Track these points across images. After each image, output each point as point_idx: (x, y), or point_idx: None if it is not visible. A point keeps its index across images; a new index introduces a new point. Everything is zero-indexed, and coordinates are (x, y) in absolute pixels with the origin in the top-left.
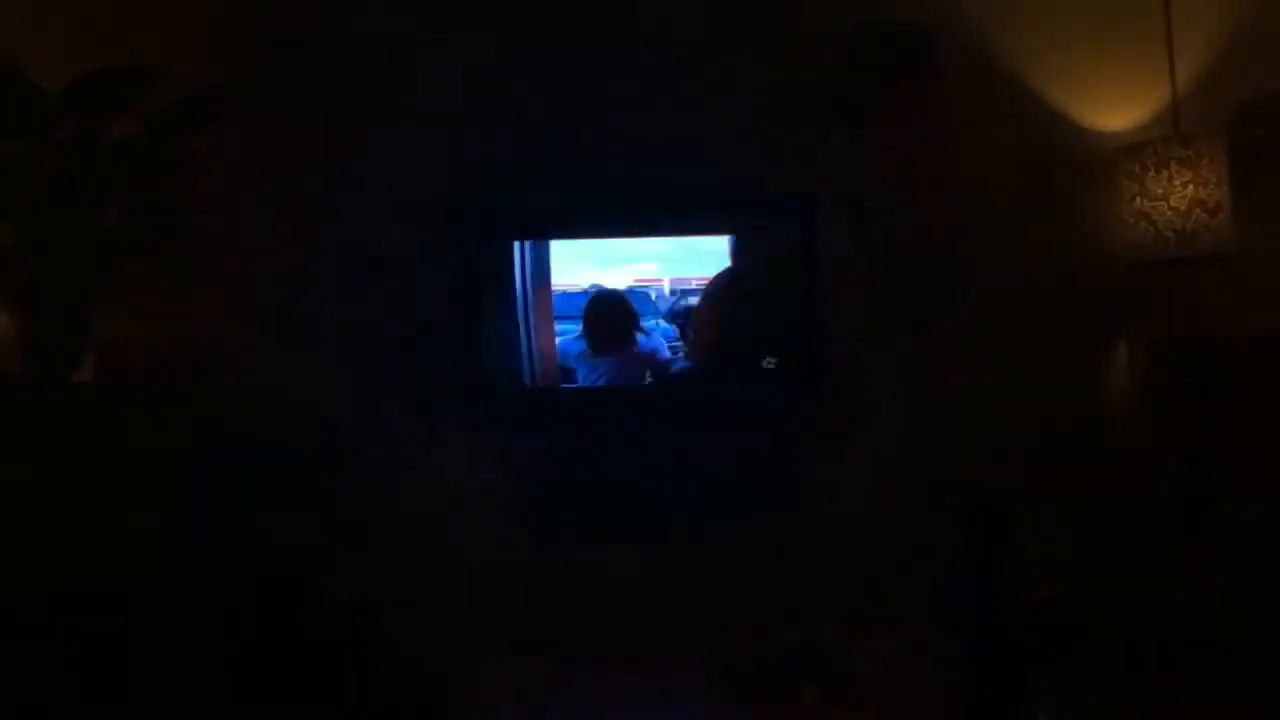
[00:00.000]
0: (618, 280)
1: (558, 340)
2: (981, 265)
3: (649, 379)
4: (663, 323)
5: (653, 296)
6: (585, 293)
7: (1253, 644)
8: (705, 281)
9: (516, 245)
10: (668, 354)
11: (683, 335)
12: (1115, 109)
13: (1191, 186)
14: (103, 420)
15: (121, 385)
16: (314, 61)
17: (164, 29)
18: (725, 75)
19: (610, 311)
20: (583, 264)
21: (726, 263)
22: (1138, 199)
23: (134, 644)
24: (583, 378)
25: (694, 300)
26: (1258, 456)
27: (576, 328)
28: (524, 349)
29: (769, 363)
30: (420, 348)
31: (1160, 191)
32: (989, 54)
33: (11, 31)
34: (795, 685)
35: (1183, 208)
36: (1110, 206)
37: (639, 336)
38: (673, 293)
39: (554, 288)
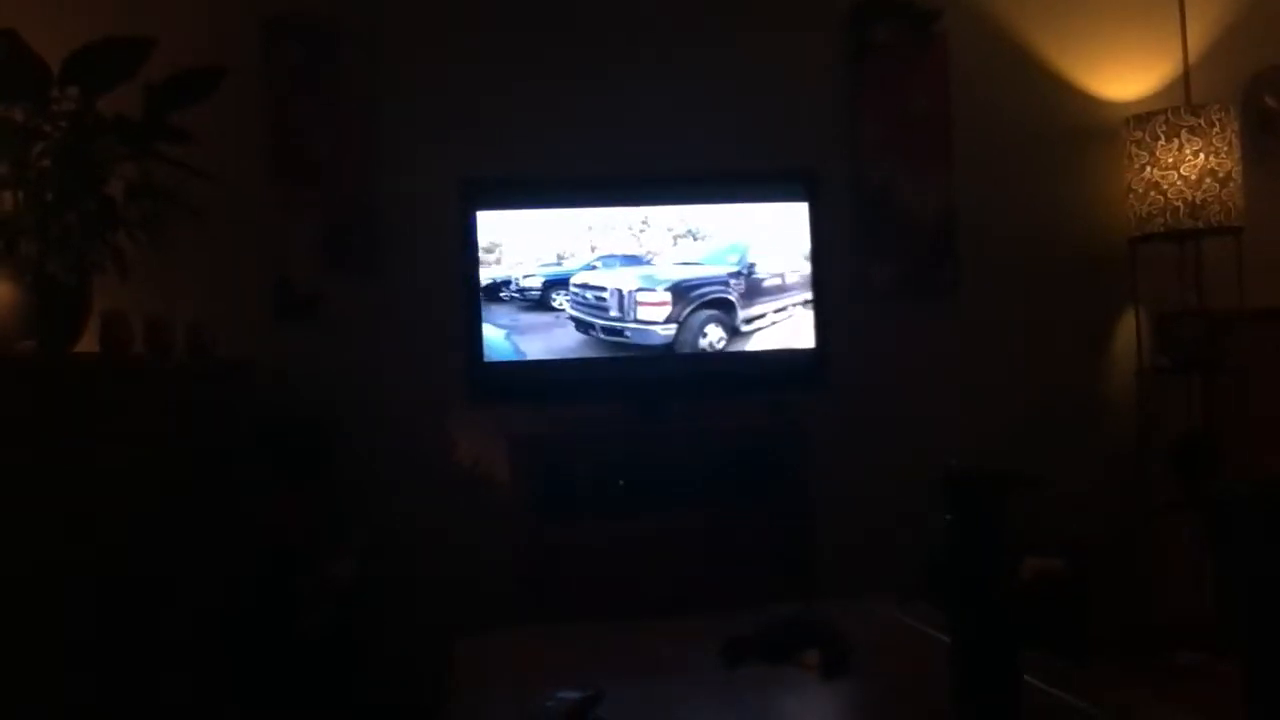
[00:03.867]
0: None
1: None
2: (988, 236)
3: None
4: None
5: None
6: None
7: (1247, 619)
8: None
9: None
10: None
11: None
12: (1126, 78)
13: (1202, 156)
14: (106, 393)
15: (122, 358)
16: (314, 35)
17: (165, 1)
18: (729, 49)
19: None
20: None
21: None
22: (1148, 168)
23: (132, 625)
24: None
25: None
26: (1259, 429)
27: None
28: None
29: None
30: (421, 322)
31: (1170, 161)
32: (997, 24)
33: (13, 1)
34: (795, 651)
35: (1193, 177)
36: (1120, 176)
37: None
38: None
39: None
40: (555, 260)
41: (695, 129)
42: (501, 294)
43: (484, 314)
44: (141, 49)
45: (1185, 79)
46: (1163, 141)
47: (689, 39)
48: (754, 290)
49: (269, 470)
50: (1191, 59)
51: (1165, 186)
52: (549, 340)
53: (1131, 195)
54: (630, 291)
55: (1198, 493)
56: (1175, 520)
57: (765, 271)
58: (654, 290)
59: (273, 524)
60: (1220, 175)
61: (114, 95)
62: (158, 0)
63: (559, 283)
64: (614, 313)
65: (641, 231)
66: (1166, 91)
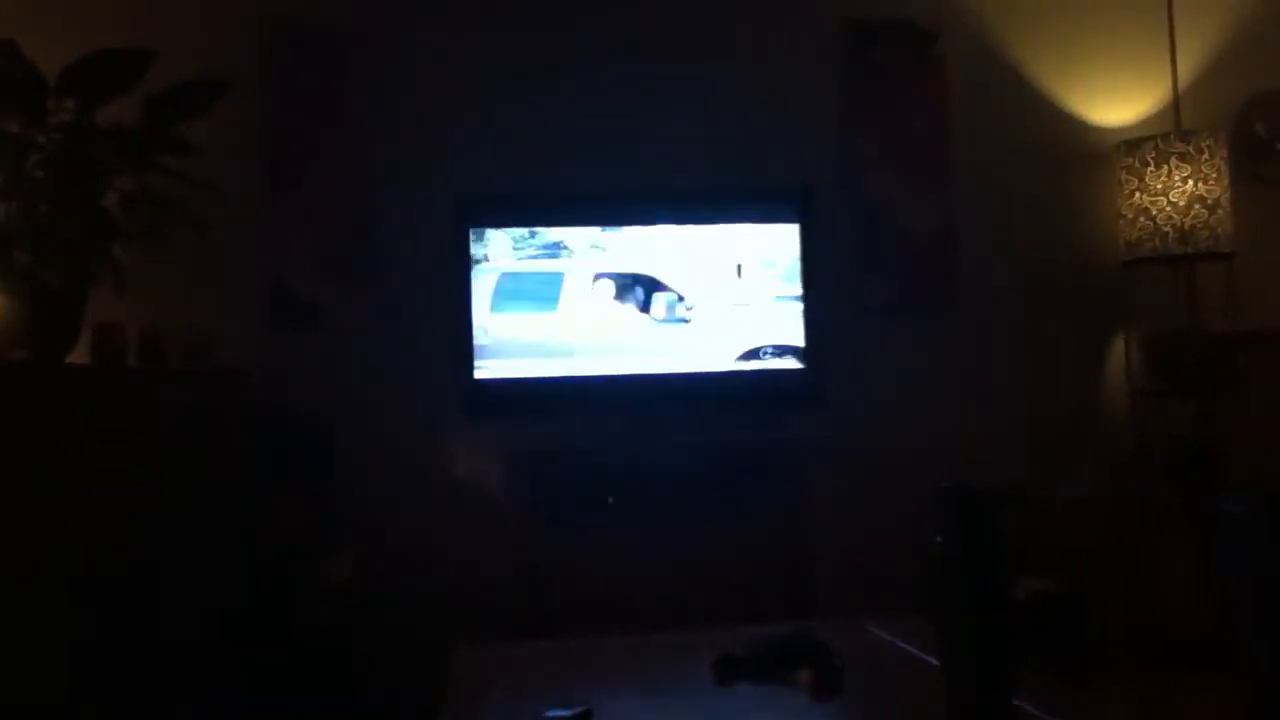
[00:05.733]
0: None
1: None
2: (980, 259)
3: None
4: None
5: None
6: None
7: (1244, 636)
8: None
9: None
10: None
11: None
12: (1116, 104)
13: (1191, 182)
14: (100, 403)
15: (117, 368)
16: (312, 46)
17: (163, 11)
18: (726, 68)
19: None
20: None
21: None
22: (1137, 194)
23: (132, 627)
24: None
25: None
26: (1252, 452)
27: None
28: None
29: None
30: (416, 333)
31: (1160, 187)
32: (991, 48)
33: (10, 13)
34: (789, 669)
35: (1182, 203)
36: (1109, 201)
37: None
38: None
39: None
40: None
41: (692, 146)
42: None
43: None
44: (140, 61)
45: (1175, 106)
46: (1152, 168)
47: (687, 58)
48: None
49: (267, 476)
50: (1181, 86)
51: (1155, 212)
52: None
53: (1122, 220)
54: None
55: (1196, 505)
56: (1173, 533)
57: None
58: None
59: (271, 529)
60: (1209, 202)
61: (115, 105)
62: (155, 9)
63: None
64: None
65: None
66: (1157, 118)
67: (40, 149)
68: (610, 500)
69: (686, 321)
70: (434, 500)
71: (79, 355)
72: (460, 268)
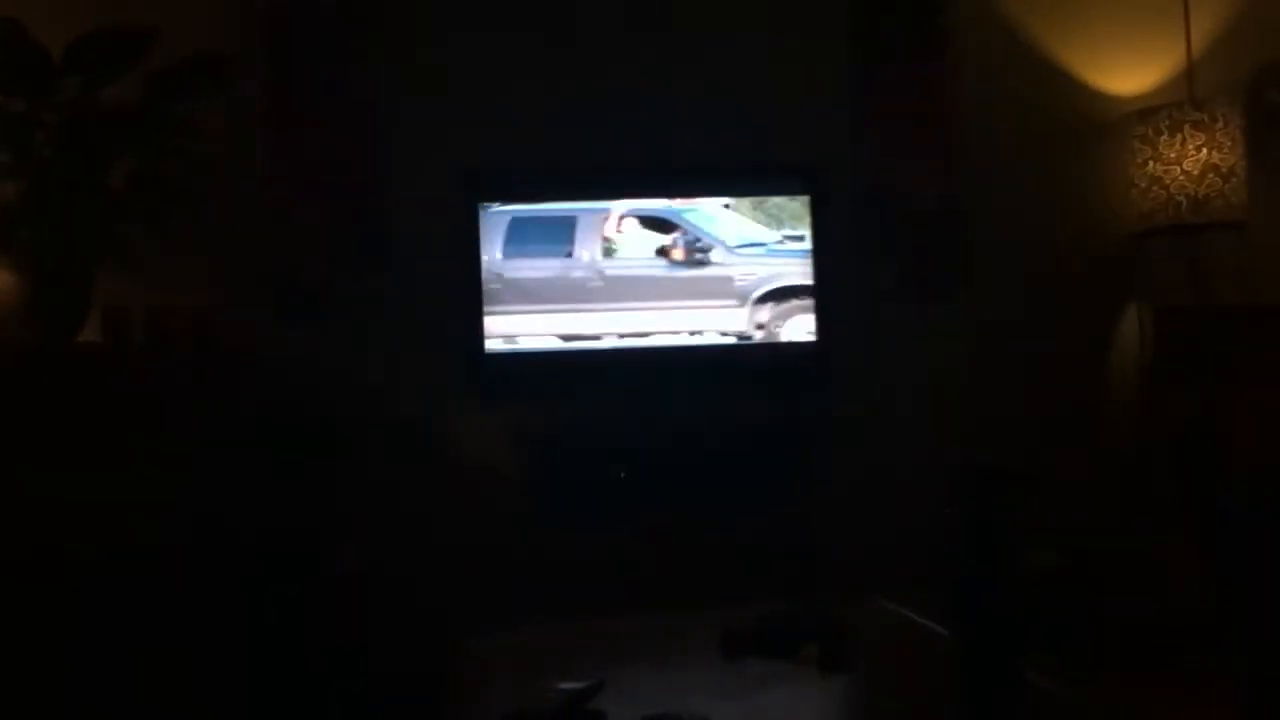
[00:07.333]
0: None
1: None
2: (990, 231)
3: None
4: None
5: None
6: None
7: (1243, 628)
8: None
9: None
10: None
11: None
12: (1129, 72)
13: (1205, 151)
14: (107, 385)
15: (124, 350)
16: (316, 23)
17: None
18: (731, 41)
19: None
20: None
21: None
22: (1150, 163)
23: (137, 616)
24: None
25: None
26: (1264, 429)
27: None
28: None
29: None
30: (425, 318)
31: (1173, 155)
32: (1001, 17)
33: None
34: (795, 644)
35: (1196, 172)
36: (1122, 171)
37: None
38: None
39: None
40: None
41: (697, 124)
42: None
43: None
44: (144, 38)
45: (1189, 74)
46: (1165, 136)
47: (691, 30)
48: None
49: (271, 465)
50: (1195, 53)
51: (1168, 181)
52: None
53: (1134, 190)
54: None
55: (1198, 495)
56: (1176, 520)
57: None
58: None
59: (275, 519)
60: (1223, 170)
61: (125, 84)
62: None
63: None
64: None
65: None
66: (1170, 86)
67: (47, 127)
68: (621, 475)
69: (704, 265)
70: (440, 483)
71: (87, 336)
72: (469, 243)
